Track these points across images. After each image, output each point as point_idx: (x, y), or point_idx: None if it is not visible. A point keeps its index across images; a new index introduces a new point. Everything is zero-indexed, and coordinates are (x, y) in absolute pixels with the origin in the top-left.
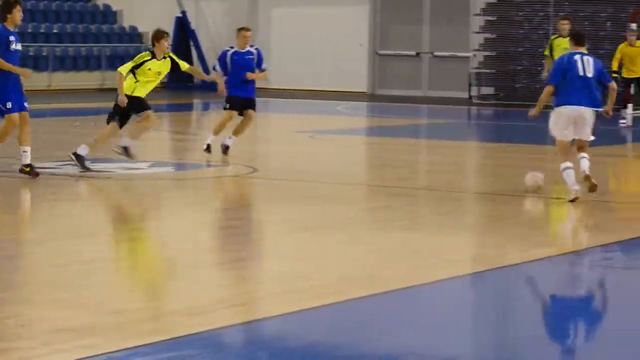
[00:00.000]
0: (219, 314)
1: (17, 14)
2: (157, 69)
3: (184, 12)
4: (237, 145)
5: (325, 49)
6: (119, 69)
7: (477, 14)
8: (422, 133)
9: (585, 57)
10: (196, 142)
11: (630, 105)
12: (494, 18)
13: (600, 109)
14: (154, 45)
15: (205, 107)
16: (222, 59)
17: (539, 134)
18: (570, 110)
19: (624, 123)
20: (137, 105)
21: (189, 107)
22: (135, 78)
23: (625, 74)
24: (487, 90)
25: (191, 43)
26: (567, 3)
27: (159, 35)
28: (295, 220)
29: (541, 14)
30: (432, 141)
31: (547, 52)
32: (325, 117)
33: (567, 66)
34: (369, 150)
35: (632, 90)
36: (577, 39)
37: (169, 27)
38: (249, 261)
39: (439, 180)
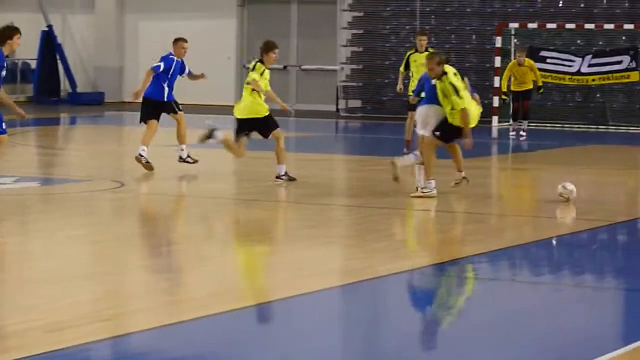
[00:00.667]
0: (84, 329)
1: (17, 42)
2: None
3: (50, 26)
4: (104, 160)
5: (193, 63)
6: (256, 81)
7: (344, 28)
8: (290, 146)
9: None
10: (63, 156)
11: (525, 121)
12: (361, 31)
13: None
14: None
15: (72, 121)
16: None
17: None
18: None
19: (522, 136)
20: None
21: (55, 122)
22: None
23: (514, 88)
24: (355, 103)
25: (57, 57)
26: (433, 16)
27: (270, 46)
28: (161, 234)
29: (408, 27)
30: (299, 154)
31: (402, 69)
32: (193, 131)
33: None
34: (236, 164)
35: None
36: None
37: (35, 41)
38: (113, 276)
39: (305, 193)
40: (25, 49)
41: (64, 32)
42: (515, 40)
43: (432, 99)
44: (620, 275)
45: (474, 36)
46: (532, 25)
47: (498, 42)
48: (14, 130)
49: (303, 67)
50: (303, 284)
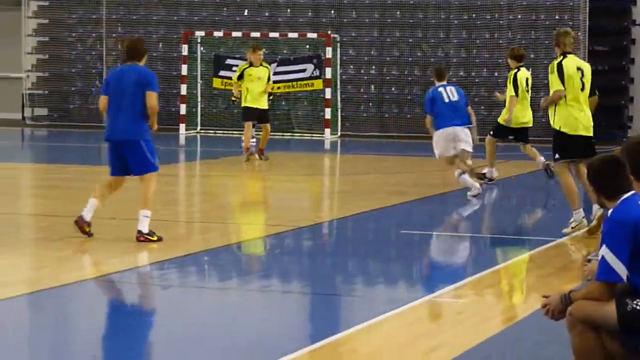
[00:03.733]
0: None
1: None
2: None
3: None
4: None
5: None
6: None
7: (29, 35)
8: None
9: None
10: None
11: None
12: (47, 39)
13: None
14: None
15: None
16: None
17: (93, 155)
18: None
19: None
20: None
21: None
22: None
23: None
24: (41, 111)
25: None
26: (119, 25)
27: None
28: None
29: (94, 35)
30: None
31: (235, 79)
32: None
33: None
34: None
35: None
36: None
37: None
38: None
39: None
40: None
41: None
42: (202, 48)
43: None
44: (307, 279)
45: (160, 44)
46: (218, 34)
47: (185, 50)
48: None
49: None
50: None
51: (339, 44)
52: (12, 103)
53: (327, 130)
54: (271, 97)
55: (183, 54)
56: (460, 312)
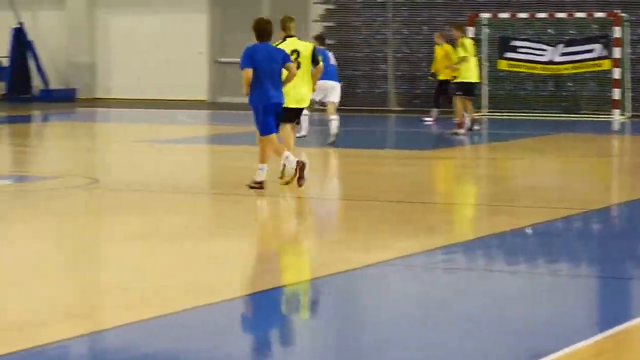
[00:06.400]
0: (57, 326)
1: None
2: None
3: (21, 24)
4: (77, 156)
5: (165, 58)
6: None
7: (315, 20)
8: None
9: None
10: (35, 154)
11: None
12: (332, 24)
13: None
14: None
15: (45, 118)
16: None
17: (381, 139)
18: None
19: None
20: None
21: (27, 119)
22: None
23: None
24: None
25: (29, 54)
26: (405, 8)
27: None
28: (133, 230)
29: (379, 19)
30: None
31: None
32: (166, 126)
33: None
34: (209, 159)
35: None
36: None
37: (6, 39)
38: (87, 272)
39: (278, 187)
40: None
41: (35, 29)
42: (487, 30)
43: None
44: (596, 263)
45: (446, 27)
46: (503, 15)
47: (470, 32)
48: None
49: None
50: (270, 279)
51: (627, 23)
52: None
53: (616, 111)
54: (429, 77)
55: (469, 36)
56: None
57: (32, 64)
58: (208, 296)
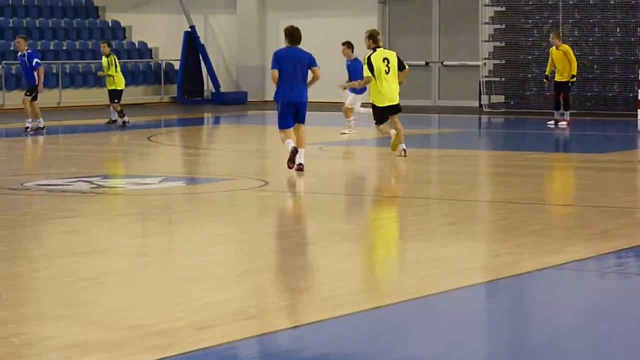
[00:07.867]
0: (230, 328)
1: None
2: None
3: (192, 27)
4: (249, 159)
5: (335, 60)
6: None
7: (486, 23)
8: (433, 142)
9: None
10: (207, 156)
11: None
12: (503, 26)
13: None
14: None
15: (216, 121)
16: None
17: (550, 142)
18: None
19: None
20: None
21: (199, 122)
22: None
23: (556, 77)
24: (498, 98)
25: (200, 58)
26: (576, 10)
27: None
28: (305, 232)
29: (550, 21)
30: (442, 150)
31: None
32: (333, 129)
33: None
34: (379, 161)
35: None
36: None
37: (178, 42)
38: (258, 274)
39: (450, 190)
40: (169, 50)
41: (207, 32)
42: None
43: None
44: None
45: (618, 29)
46: None
47: None
48: (159, 131)
49: (445, 63)
50: (444, 281)
51: None
52: (469, 91)
53: None
54: (572, 80)
55: None
56: None
57: (203, 67)
58: (385, 298)
